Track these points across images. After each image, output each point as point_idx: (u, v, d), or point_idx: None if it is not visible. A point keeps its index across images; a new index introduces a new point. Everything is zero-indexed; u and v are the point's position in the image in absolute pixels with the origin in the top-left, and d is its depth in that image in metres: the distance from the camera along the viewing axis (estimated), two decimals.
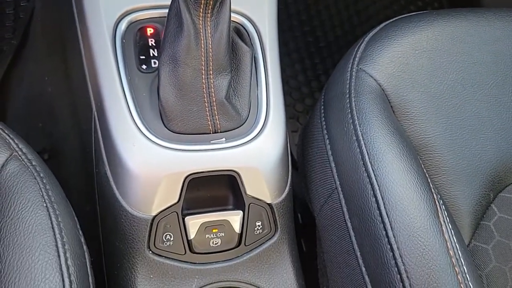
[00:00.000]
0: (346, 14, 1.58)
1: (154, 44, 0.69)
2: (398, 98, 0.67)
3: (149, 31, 0.70)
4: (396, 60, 0.69)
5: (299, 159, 0.80)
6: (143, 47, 0.69)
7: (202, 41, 0.62)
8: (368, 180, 0.62)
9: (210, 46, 0.63)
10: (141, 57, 0.68)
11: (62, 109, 0.90)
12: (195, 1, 0.61)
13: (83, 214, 0.69)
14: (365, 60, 0.67)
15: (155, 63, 0.68)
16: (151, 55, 0.69)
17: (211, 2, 0.61)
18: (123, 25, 0.69)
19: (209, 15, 0.62)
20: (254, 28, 0.74)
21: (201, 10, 0.62)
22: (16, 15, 1.40)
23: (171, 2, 0.64)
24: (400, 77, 0.68)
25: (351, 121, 0.63)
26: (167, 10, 0.65)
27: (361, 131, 0.62)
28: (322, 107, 0.69)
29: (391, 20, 0.74)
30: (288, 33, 1.51)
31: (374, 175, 0.62)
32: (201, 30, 0.62)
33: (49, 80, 0.97)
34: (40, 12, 1.09)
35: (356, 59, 0.68)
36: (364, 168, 0.63)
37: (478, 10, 0.80)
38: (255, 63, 0.71)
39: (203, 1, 0.61)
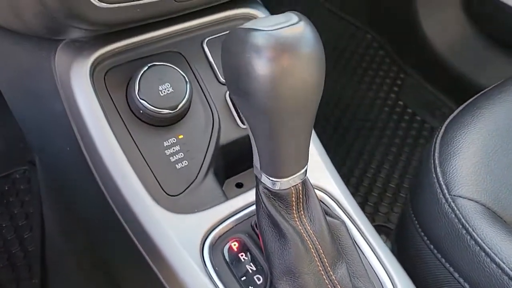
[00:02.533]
0: None
1: (247, 258, 0.65)
2: (504, 210, 0.64)
3: (234, 245, 0.66)
4: (479, 167, 0.67)
5: None
6: (239, 266, 0.64)
7: (308, 242, 0.58)
8: None
9: (317, 242, 0.59)
10: (242, 279, 0.63)
11: None
12: (285, 206, 0.58)
13: None
14: (453, 183, 0.66)
15: (258, 278, 0.63)
16: (250, 271, 0.64)
17: (300, 198, 0.58)
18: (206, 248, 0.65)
19: (302, 212, 0.59)
20: (327, 195, 0.71)
21: (294, 211, 0.58)
22: (24, 249, 1.32)
23: (257, 209, 0.61)
24: (495, 187, 0.66)
25: (483, 253, 0.59)
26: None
27: (499, 260, 0.58)
28: (432, 246, 0.65)
29: (445, 128, 0.74)
30: None
31: None
32: (302, 231, 0.58)
33: None
34: (50, 240, 1.03)
35: (442, 185, 0.66)
36: None
37: None
38: (351, 233, 0.67)
39: (292, 202, 0.58)
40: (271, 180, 0.55)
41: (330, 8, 1.95)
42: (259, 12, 0.81)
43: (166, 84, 0.69)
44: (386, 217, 1.45)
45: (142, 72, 0.69)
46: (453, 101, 1.71)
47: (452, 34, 1.67)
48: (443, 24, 1.67)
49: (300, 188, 0.57)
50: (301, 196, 0.58)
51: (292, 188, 0.56)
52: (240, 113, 0.52)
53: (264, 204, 0.57)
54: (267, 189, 0.57)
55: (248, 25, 0.47)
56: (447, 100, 1.72)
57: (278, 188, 0.56)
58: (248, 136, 0.78)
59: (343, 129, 1.65)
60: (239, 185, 0.83)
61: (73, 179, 0.91)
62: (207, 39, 0.78)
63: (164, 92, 0.69)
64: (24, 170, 1.37)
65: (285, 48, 0.44)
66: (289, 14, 0.47)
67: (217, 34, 0.79)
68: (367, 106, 1.73)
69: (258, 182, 0.58)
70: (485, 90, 0.81)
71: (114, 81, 0.71)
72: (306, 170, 0.57)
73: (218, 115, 0.76)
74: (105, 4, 0.60)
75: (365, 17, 1.91)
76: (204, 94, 0.76)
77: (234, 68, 0.46)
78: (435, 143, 0.70)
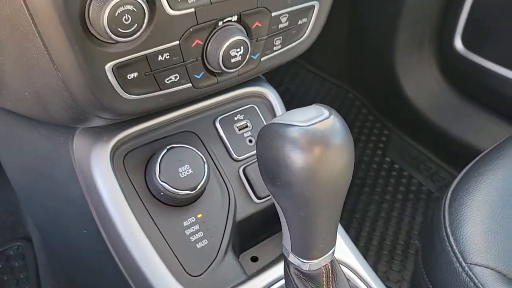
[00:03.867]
0: None
1: None
2: None
3: None
4: (490, 233, 0.70)
5: None
6: None
7: None
8: None
9: None
10: None
11: None
12: (316, 285, 0.59)
13: None
14: (468, 251, 0.68)
15: None
16: None
17: (330, 277, 0.60)
18: None
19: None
20: (348, 269, 0.73)
21: None
22: None
23: None
24: (506, 251, 0.69)
25: None
26: None
27: None
28: None
29: (451, 194, 0.77)
30: None
31: None
32: None
33: None
34: None
35: (457, 253, 0.69)
36: None
37: None
38: None
39: (323, 282, 0.60)
40: (302, 261, 0.57)
41: (312, 70, 2.03)
42: (266, 90, 0.85)
43: (186, 165, 0.71)
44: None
45: (161, 155, 0.71)
46: (436, 156, 1.77)
47: (430, 92, 1.76)
48: (422, 82, 1.76)
49: (330, 267, 0.59)
50: (330, 274, 0.59)
51: (322, 268, 0.58)
52: (275, 202, 0.54)
53: (296, 285, 0.58)
54: (298, 269, 0.58)
55: (283, 119, 0.50)
56: (430, 154, 1.79)
57: (308, 269, 0.58)
58: (262, 210, 0.80)
59: None
60: (254, 259, 0.84)
61: (83, 258, 0.90)
62: (219, 117, 0.81)
63: (184, 173, 0.71)
64: (17, 246, 1.33)
65: (321, 142, 0.47)
66: (320, 108, 0.51)
67: (228, 112, 0.82)
68: (356, 163, 1.77)
69: (288, 262, 0.59)
70: (483, 154, 0.86)
71: (133, 164, 0.73)
72: (334, 249, 0.59)
73: (234, 192, 0.78)
74: (132, 96, 0.62)
75: (346, 77, 2.00)
76: (219, 172, 0.79)
77: (273, 161, 0.49)
78: (444, 210, 0.73)
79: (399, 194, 1.68)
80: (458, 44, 1.64)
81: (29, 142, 0.82)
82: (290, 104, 1.96)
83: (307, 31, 0.76)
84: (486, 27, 1.55)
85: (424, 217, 1.62)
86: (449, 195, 0.76)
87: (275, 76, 1.99)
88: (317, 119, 0.49)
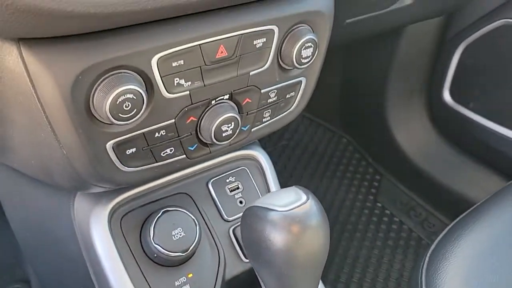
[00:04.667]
0: None
1: None
2: None
3: None
4: None
5: None
6: None
7: None
8: None
9: None
10: None
11: None
12: None
13: None
14: None
15: None
16: None
17: None
18: None
19: None
20: None
21: None
22: None
23: None
24: None
25: None
26: None
27: None
28: None
29: (428, 258, 0.82)
30: None
31: None
32: None
33: None
34: None
35: None
36: None
37: None
38: None
39: None
40: None
41: (307, 116, 2.10)
42: (257, 153, 0.91)
43: (179, 228, 0.76)
44: None
45: (156, 218, 0.76)
46: (427, 202, 1.82)
47: (421, 141, 1.82)
48: (413, 132, 1.82)
49: None
50: None
51: None
52: (257, 274, 0.59)
53: None
54: None
55: (264, 202, 0.55)
56: (421, 201, 1.83)
57: None
58: (250, 269, 0.85)
59: None
60: None
61: None
62: (212, 180, 0.86)
63: (176, 236, 0.76)
64: None
65: (299, 226, 0.52)
66: (298, 192, 0.56)
67: (220, 174, 0.88)
68: (348, 208, 1.82)
69: None
70: (460, 217, 0.91)
71: (129, 225, 0.78)
72: None
73: (224, 251, 0.83)
74: (130, 168, 0.68)
75: (340, 123, 2.06)
76: (210, 232, 0.83)
77: (255, 242, 0.54)
78: (421, 275, 0.78)
79: (390, 240, 1.72)
80: (447, 96, 1.71)
81: (33, 199, 0.87)
82: (284, 150, 2.01)
83: (295, 103, 0.82)
84: (472, 81, 1.62)
85: (414, 263, 1.65)
86: (426, 259, 0.81)
87: None
88: (296, 204, 0.54)
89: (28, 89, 0.55)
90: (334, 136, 2.07)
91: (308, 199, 0.55)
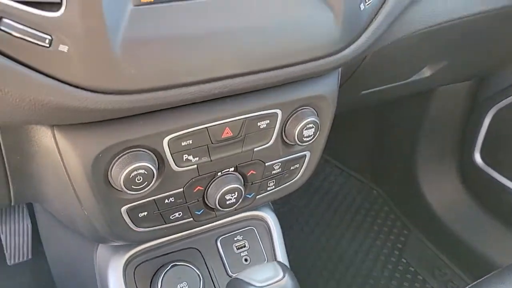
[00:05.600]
0: None
1: None
2: None
3: None
4: None
5: None
6: None
7: None
8: None
9: None
10: None
11: None
12: None
13: None
14: None
15: None
16: None
17: None
18: None
19: None
20: None
21: None
22: None
23: None
24: None
25: None
26: None
27: None
28: None
29: None
30: None
31: None
32: None
33: None
34: None
35: None
36: None
37: None
38: None
39: None
40: None
41: (337, 165, 2.15)
42: (265, 214, 0.99)
43: (184, 283, 0.85)
44: None
45: (165, 271, 0.85)
46: (453, 262, 1.81)
47: (451, 200, 1.82)
48: (443, 190, 1.83)
49: None
50: None
51: None
52: None
53: None
54: None
55: (245, 276, 0.62)
56: (447, 260, 1.82)
57: None
58: None
59: (346, 285, 1.75)
60: None
61: None
62: (221, 237, 0.95)
63: None
64: None
65: None
66: (277, 268, 0.63)
67: (229, 233, 0.96)
68: (371, 262, 1.84)
69: None
70: (484, 278, 0.92)
71: (141, 275, 0.87)
72: None
73: None
74: (142, 229, 0.77)
75: (371, 174, 2.09)
76: (215, 286, 0.91)
77: None
78: None
79: None
80: (478, 158, 1.72)
81: (65, 241, 0.98)
82: (312, 197, 2.04)
83: (299, 174, 0.90)
84: (503, 145, 1.62)
85: None
86: None
87: None
88: (272, 280, 0.61)
89: (58, 162, 0.67)
90: (364, 187, 2.10)
91: (284, 276, 0.62)
